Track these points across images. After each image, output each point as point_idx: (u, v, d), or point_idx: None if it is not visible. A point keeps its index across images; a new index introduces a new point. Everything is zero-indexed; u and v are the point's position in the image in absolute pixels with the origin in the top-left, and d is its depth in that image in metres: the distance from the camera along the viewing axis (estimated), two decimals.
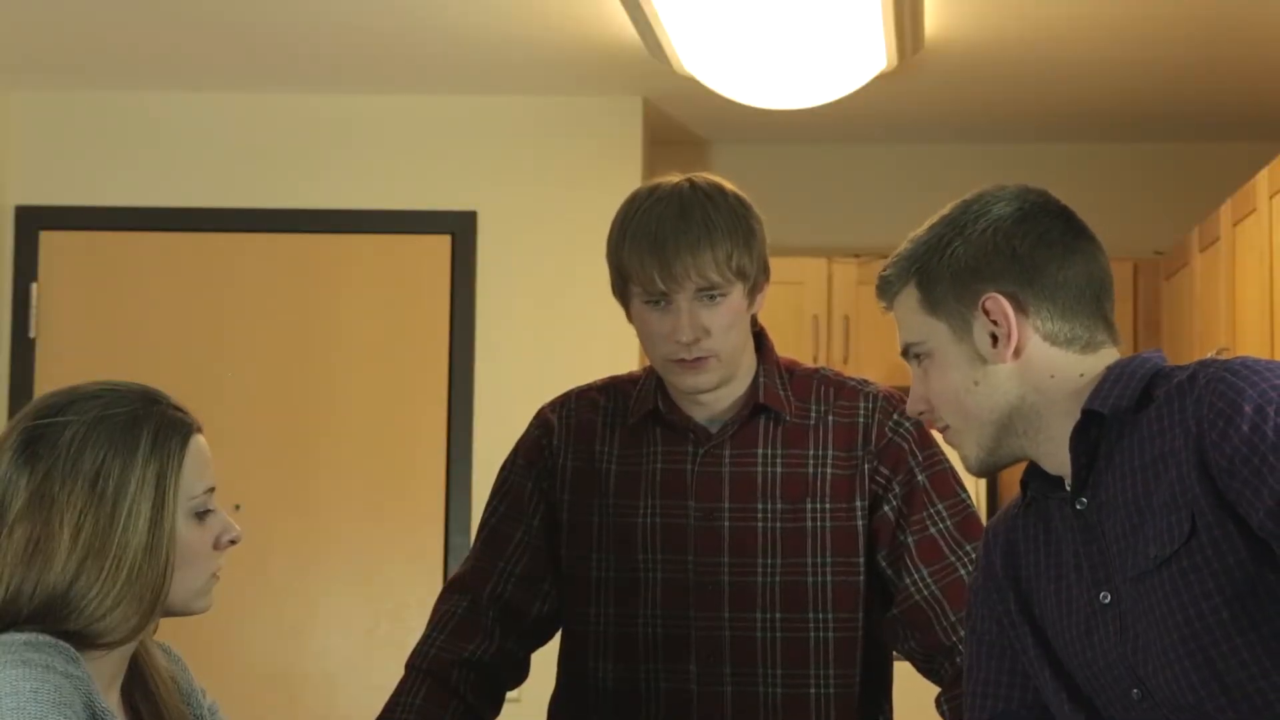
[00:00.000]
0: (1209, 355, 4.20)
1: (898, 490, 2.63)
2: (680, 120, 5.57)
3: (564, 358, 5.25)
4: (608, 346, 5.25)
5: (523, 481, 2.73)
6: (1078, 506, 2.05)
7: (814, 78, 4.48)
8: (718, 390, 2.63)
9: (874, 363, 5.26)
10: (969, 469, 2.11)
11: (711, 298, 2.56)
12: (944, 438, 2.13)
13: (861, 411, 2.66)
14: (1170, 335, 5.19)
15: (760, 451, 2.63)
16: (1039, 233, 2.06)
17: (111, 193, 5.37)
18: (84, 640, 2.03)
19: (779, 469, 2.63)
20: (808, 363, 2.75)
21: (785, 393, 2.66)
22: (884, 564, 2.65)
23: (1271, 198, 4.28)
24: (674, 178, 2.65)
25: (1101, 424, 2.02)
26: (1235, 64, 4.93)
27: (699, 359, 2.57)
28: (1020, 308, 2.04)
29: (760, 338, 2.70)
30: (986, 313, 2.04)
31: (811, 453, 2.63)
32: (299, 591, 5.31)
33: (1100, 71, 5.02)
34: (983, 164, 5.67)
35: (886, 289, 2.13)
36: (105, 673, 2.08)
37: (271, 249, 5.37)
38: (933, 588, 2.62)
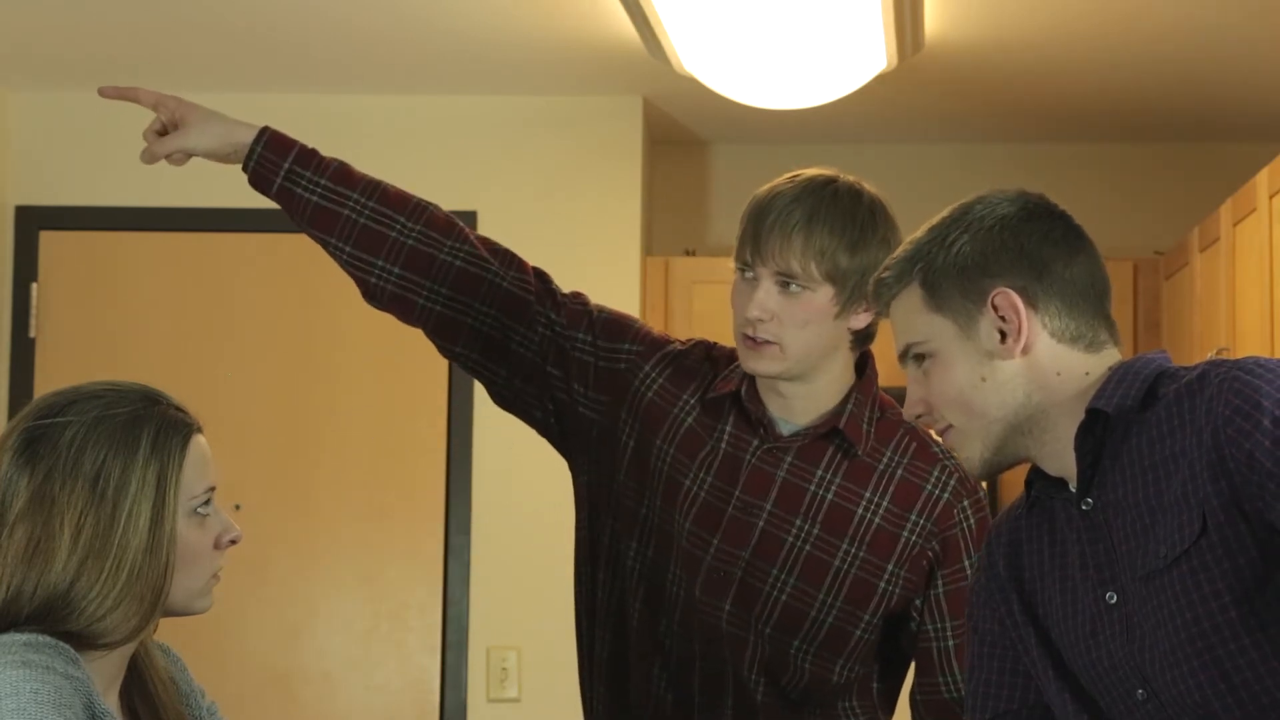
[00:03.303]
0: (1210, 355, 4.20)
1: (941, 584, 2.61)
2: (680, 120, 5.57)
3: None
4: None
5: (631, 357, 2.70)
6: (1083, 507, 2.05)
7: (814, 78, 4.47)
8: (794, 388, 2.60)
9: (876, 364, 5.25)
10: (971, 471, 2.11)
11: (788, 286, 2.54)
12: (945, 440, 2.12)
13: (933, 480, 2.62)
14: (1170, 335, 5.19)
15: (819, 473, 2.61)
16: (1044, 231, 2.07)
17: (111, 193, 5.36)
18: (84, 641, 2.03)
19: (830, 496, 2.60)
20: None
21: (869, 428, 2.63)
22: (909, 643, 2.65)
23: (1271, 198, 4.28)
24: (827, 170, 2.63)
25: (1106, 423, 2.02)
26: (1235, 64, 4.92)
27: (761, 341, 2.55)
28: (1030, 303, 2.04)
29: (865, 364, 2.67)
30: (995, 308, 2.04)
31: (868, 495, 2.60)
32: (299, 591, 5.31)
33: (1100, 71, 5.02)
34: (983, 164, 5.67)
35: (884, 291, 2.12)
36: (105, 674, 2.08)
37: (271, 249, 5.37)
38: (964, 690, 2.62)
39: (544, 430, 2.75)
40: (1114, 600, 2.01)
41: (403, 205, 2.74)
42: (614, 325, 2.71)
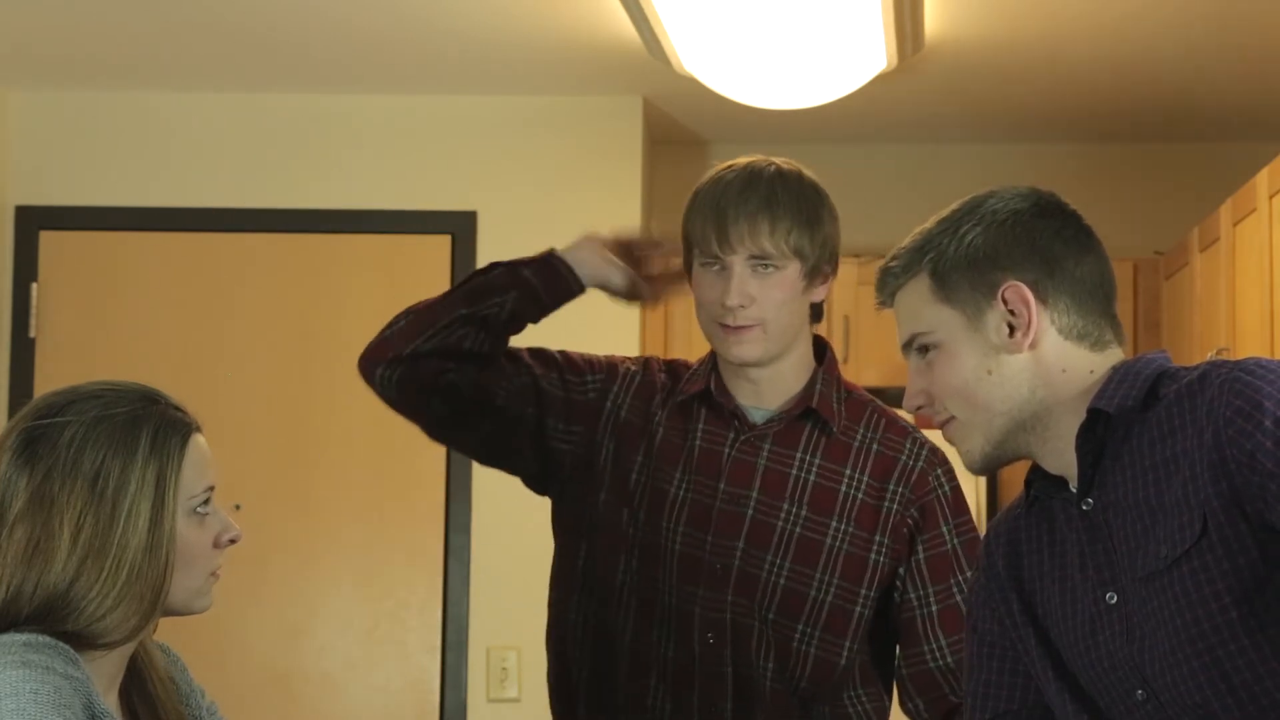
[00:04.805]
0: (1210, 355, 4.20)
1: (921, 550, 2.67)
2: (680, 120, 5.57)
3: None
4: (608, 346, 5.24)
5: (567, 366, 2.75)
6: (1084, 507, 2.04)
7: (814, 78, 4.47)
8: (766, 371, 2.66)
9: (874, 363, 5.26)
10: (970, 465, 2.10)
11: (764, 267, 2.61)
12: (944, 433, 2.12)
13: (906, 451, 2.69)
14: (1170, 335, 5.19)
15: (799, 455, 2.67)
16: (1055, 228, 2.07)
17: (111, 193, 5.36)
18: (84, 641, 2.03)
19: (813, 477, 2.66)
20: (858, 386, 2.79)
21: (839, 407, 2.69)
22: (897, 614, 2.68)
23: (1271, 198, 4.28)
24: (756, 156, 2.70)
25: (1107, 423, 2.02)
26: (1235, 64, 4.92)
27: (743, 327, 2.61)
28: (1040, 298, 2.04)
29: (823, 348, 2.73)
30: (1005, 302, 2.04)
31: (848, 473, 2.67)
32: (299, 591, 5.30)
33: (1100, 71, 5.02)
34: (983, 164, 5.67)
35: (890, 281, 2.12)
36: (105, 673, 2.07)
37: (271, 249, 5.37)
38: (949, 659, 2.65)
39: (525, 474, 2.79)
40: (1114, 600, 2.01)
41: None
42: (575, 361, 2.76)
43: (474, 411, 2.70)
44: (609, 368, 2.76)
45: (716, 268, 2.62)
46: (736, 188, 2.63)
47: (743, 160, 2.69)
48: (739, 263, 2.60)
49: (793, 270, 2.62)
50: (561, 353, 2.78)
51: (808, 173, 2.69)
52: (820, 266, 2.64)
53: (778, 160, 2.69)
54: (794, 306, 2.64)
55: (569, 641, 2.73)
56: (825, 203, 2.67)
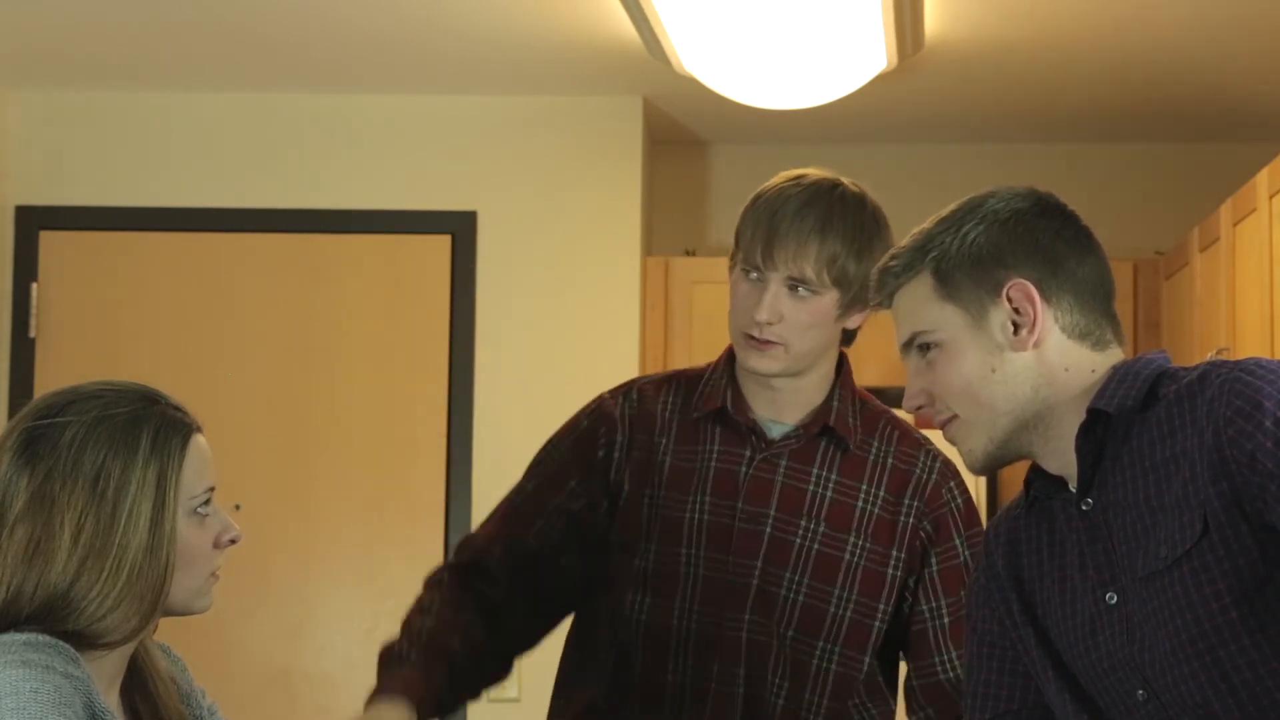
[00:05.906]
0: (1210, 355, 4.20)
1: (934, 563, 2.65)
2: (680, 120, 5.57)
3: (564, 358, 5.24)
4: (608, 347, 5.25)
5: (563, 470, 2.71)
6: (1083, 507, 2.05)
7: (814, 78, 4.47)
8: (786, 383, 2.63)
9: (874, 363, 5.24)
10: (971, 465, 2.10)
11: (798, 290, 2.58)
12: (946, 433, 2.11)
13: (920, 464, 2.67)
14: (1170, 335, 5.19)
15: (815, 472, 2.64)
16: (1056, 228, 2.07)
17: (111, 193, 5.36)
18: (84, 640, 2.03)
19: (830, 493, 2.64)
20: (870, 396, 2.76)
21: (855, 422, 2.67)
22: (907, 625, 2.67)
23: (1271, 198, 4.28)
24: (826, 173, 2.66)
25: (1107, 423, 2.02)
26: (1235, 64, 4.92)
27: (767, 342, 2.59)
28: (1045, 296, 2.04)
29: (842, 361, 2.71)
30: (1010, 300, 2.04)
31: (865, 488, 2.65)
32: (299, 591, 5.31)
33: (1100, 71, 5.02)
34: (983, 164, 5.66)
35: (890, 281, 2.11)
36: (105, 673, 2.08)
37: (271, 249, 5.37)
38: (959, 670, 2.62)
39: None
40: (1114, 601, 2.01)
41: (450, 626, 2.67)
42: (578, 441, 2.71)
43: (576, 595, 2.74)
44: (603, 415, 2.71)
45: (755, 276, 2.60)
46: (795, 204, 2.59)
47: (813, 175, 2.64)
48: (776, 280, 2.58)
49: (829, 298, 2.58)
50: (555, 447, 2.74)
51: (871, 199, 2.64)
52: (861, 296, 2.58)
53: (845, 181, 2.64)
54: (821, 331, 2.60)
55: (588, 670, 2.71)
56: (881, 233, 2.62)
